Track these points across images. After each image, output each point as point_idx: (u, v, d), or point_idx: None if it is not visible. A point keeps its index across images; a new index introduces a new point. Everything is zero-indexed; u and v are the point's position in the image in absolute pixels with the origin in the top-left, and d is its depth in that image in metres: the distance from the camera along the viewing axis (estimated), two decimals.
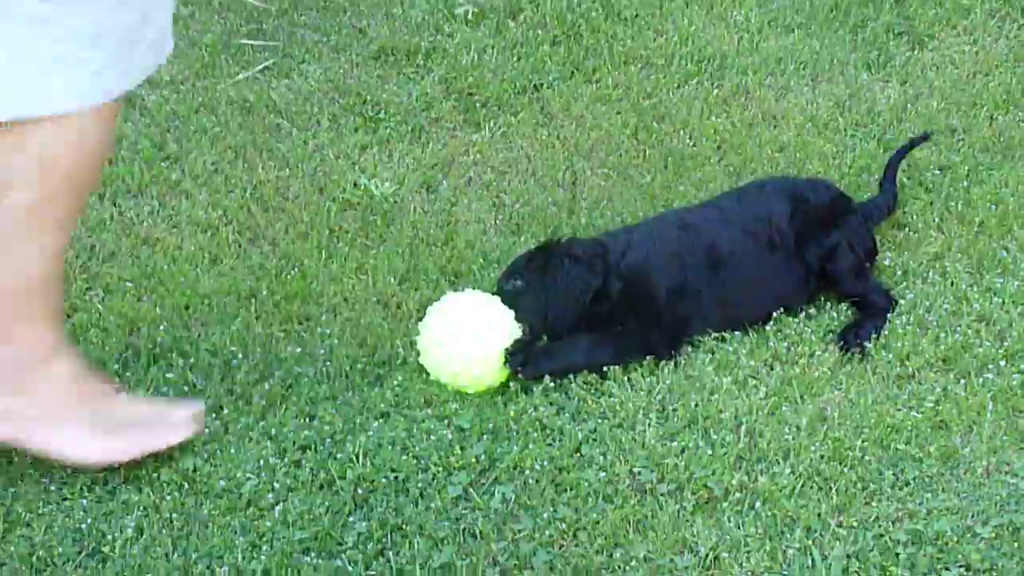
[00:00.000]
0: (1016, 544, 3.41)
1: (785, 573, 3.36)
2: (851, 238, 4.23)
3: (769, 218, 4.19)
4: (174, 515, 3.51)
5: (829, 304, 4.20)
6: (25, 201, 3.22)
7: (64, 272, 3.91)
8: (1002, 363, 3.94)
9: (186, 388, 3.91)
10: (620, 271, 4.03)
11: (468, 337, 3.88)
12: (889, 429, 3.73)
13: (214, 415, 3.81)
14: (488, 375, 3.91)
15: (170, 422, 3.67)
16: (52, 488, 3.60)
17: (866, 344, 4.02)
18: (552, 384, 3.87)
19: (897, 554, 3.39)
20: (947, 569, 3.36)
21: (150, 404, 3.77)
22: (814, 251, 4.18)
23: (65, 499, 3.57)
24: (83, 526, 3.50)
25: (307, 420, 3.78)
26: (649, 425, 3.74)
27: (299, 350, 4.02)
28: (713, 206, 4.30)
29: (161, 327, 4.10)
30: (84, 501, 3.56)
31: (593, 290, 3.99)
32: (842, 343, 4.06)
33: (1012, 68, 5.08)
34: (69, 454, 3.55)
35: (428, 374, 3.92)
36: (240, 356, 4.00)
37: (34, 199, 3.23)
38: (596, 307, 4.00)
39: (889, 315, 4.12)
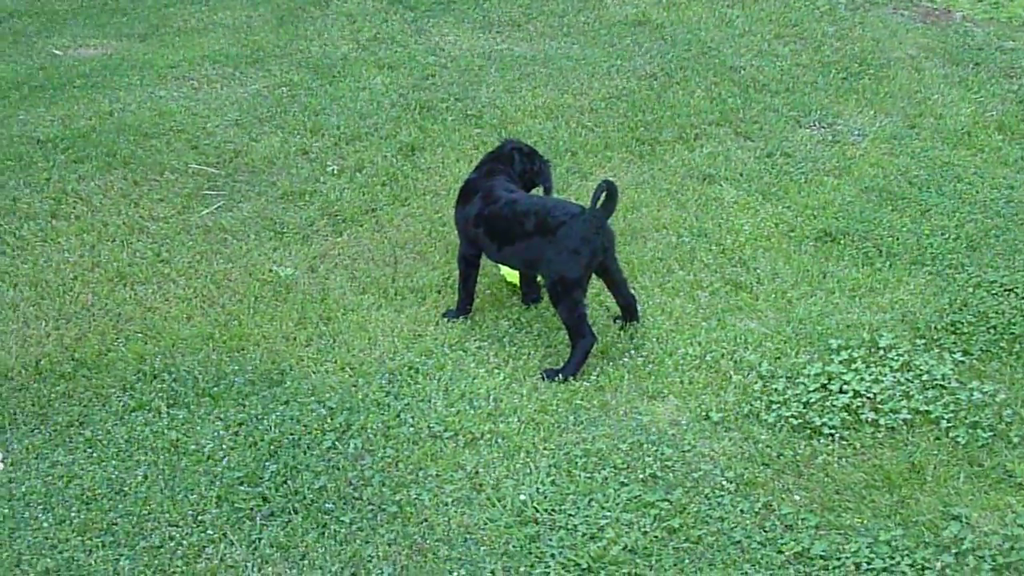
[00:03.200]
0: (640, 453, 3.44)
1: (515, 478, 3.36)
2: None
3: None
4: (164, 468, 3.41)
5: (540, 329, 4.17)
6: None
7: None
8: (632, 352, 3.96)
9: (163, 389, 3.76)
10: None
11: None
12: (571, 393, 3.74)
13: (174, 409, 3.68)
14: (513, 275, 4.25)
15: None
16: None
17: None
18: (384, 380, 3.80)
19: (575, 461, 3.42)
20: (603, 469, 3.38)
21: None
22: None
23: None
24: (112, 465, 3.38)
25: (241, 407, 3.68)
26: (438, 400, 3.70)
27: (237, 368, 3.89)
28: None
29: (158, 358, 3.94)
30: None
31: None
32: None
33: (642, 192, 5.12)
34: None
35: (315, 376, 3.84)
36: (198, 372, 3.86)
37: None
38: None
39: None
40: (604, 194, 3.72)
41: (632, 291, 4.12)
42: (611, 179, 3.78)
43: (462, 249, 4.13)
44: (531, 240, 3.85)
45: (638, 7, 7.39)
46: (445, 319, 4.16)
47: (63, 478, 3.38)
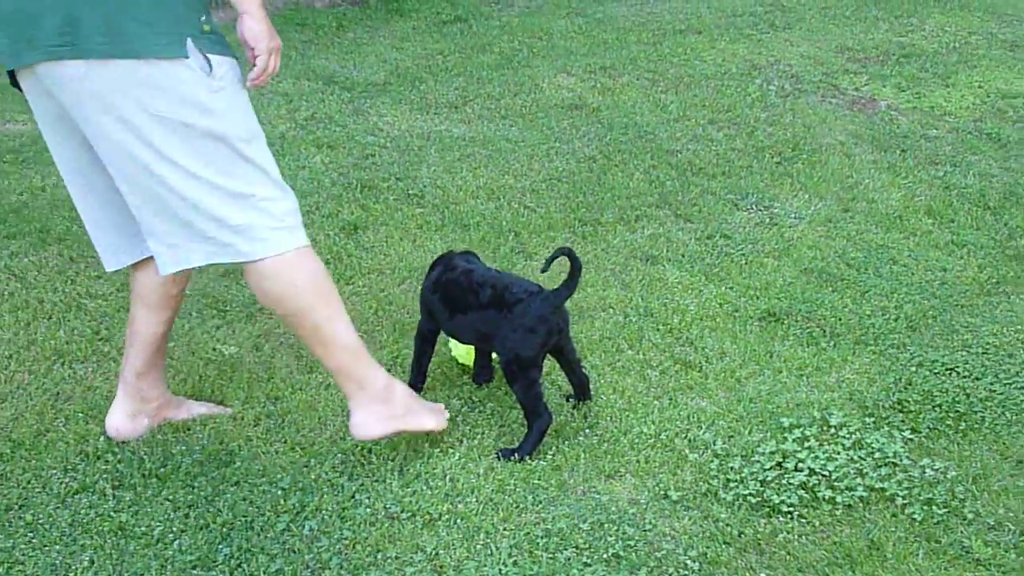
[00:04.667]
0: (601, 533, 3.42)
1: (477, 559, 3.30)
2: None
3: None
4: (112, 552, 3.29)
5: (501, 404, 4.14)
6: None
7: None
8: (587, 430, 3.95)
9: (108, 470, 3.63)
10: None
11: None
12: (528, 472, 3.70)
13: (119, 491, 3.56)
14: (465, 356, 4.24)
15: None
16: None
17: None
18: (336, 461, 3.73)
19: (537, 542, 3.37)
20: (564, 549, 3.34)
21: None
22: None
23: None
24: (56, 550, 3.23)
25: (190, 488, 3.57)
26: (393, 480, 3.64)
27: (184, 448, 3.78)
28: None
29: (101, 438, 3.79)
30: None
31: None
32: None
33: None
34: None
35: (264, 456, 3.75)
36: (144, 453, 3.72)
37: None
38: None
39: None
40: (561, 259, 3.71)
41: (584, 370, 4.12)
42: (574, 254, 3.75)
43: (421, 323, 4.10)
44: (485, 312, 3.82)
45: (573, 91, 7.52)
46: None
47: (3, 564, 3.23)
